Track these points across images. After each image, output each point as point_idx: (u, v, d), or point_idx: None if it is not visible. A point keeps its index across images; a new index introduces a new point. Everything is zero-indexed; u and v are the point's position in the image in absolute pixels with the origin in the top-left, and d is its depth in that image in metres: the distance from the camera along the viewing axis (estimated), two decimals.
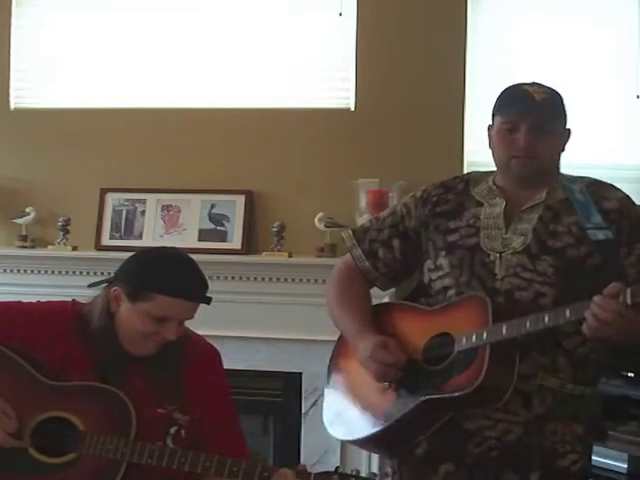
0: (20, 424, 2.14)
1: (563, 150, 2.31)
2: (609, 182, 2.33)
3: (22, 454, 2.15)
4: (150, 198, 4.22)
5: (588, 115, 3.96)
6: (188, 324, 2.33)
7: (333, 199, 4.04)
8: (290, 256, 3.97)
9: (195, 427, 2.24)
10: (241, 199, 4.14)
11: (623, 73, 3.98)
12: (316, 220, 3.96)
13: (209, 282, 2.24)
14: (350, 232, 2.47)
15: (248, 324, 3.99)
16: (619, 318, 1.97)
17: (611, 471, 3.19)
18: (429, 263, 2.32)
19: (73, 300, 2.32)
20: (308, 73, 4.17)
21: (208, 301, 2.22)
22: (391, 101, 4.10)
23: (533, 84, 2.26)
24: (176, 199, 4.21)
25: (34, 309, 2.31)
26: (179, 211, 4.20)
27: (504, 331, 2.08)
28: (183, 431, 2.22)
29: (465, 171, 3.81)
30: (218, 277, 3.89)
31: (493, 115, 2.31)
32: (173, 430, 2.20)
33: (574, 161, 3.96)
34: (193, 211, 4.18)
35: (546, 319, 2.05)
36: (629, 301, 1.96)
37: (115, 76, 4.30)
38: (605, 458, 3.18)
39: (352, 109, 4.14)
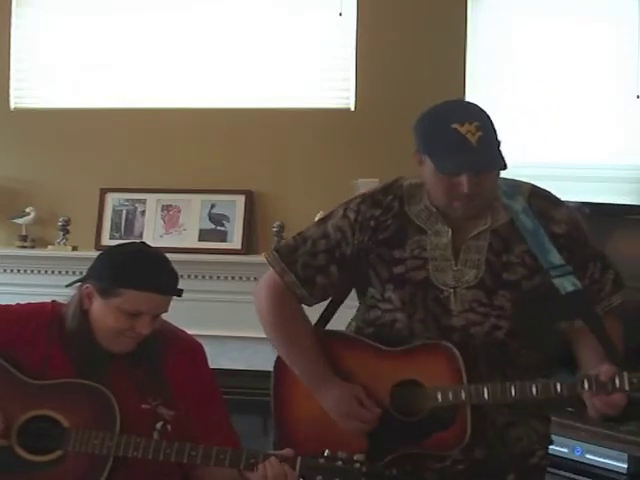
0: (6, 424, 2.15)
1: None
2: (547, 190, 2.21)
3: (9, 454, 2.15)
4: (150, 198, 4.22)
5: (588, 115, 3.97)
6: (183, 322, 2.34)
7: (333, 199, 3.95)
8: None
9: (182, 422, 2.23)
10: (241, 199, 4.14)
11: (623, 73, 3.98)
12: (316, 220, 3.95)
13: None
14: (275, 254, 2.29)
15: (248, 324, 3.92)
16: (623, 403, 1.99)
17: (611, 471, 3.18)
18: (374, 292, 2.22)
19: (53, 301, 2.32)
20: (308, 73, 4.18)
21: (179, 293, 2.22)
22: (391, 101, 4.10)
23: (461, 116, 2.01)
24: (176, 199, 4.21)
25: (13, 311, 2.30)
26: (179, 211, 4.20)
27: (486, 396, 2.06)
28: (169, 426, 2.21)
29: None
30: (218, 277, 3.82)
31: (421, 149, 2.09)
32: (159, 425, 2.20)
33: (575, 161, 4.03)
34: (193, 211, 4.18)
35: (534, 390, 2.04)
36: (627, 387, 1.98)
37: (115, 76, 4.30)
38: (605, 458, 3.18)
39: (352, 109, 4.15)
